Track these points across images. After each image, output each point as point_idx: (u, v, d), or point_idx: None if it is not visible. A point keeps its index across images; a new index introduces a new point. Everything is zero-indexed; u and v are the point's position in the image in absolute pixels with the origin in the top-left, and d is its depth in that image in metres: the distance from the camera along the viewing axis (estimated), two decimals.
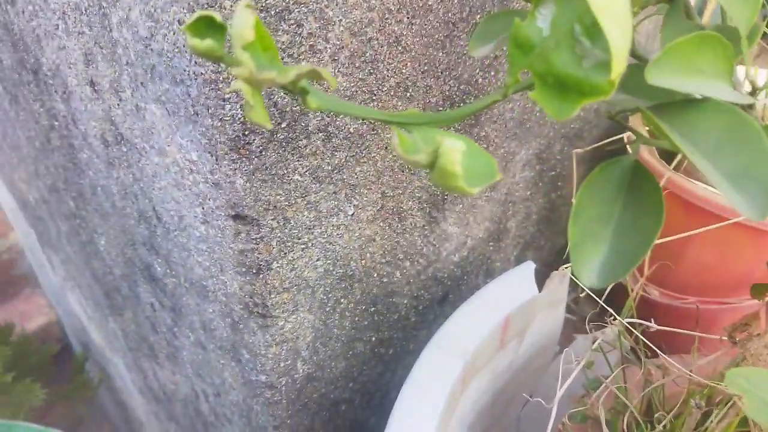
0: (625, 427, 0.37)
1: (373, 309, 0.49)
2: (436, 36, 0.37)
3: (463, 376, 0.45)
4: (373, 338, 0.51)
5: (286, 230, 0.37)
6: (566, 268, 0.52)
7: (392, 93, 0.37)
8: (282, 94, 0.31)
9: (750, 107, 0.25)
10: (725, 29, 0.23)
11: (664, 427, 0.40)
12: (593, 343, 0.39)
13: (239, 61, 0.14)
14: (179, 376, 0.59)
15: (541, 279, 0.52)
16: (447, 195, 0.47)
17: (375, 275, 0.46)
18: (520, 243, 0.62)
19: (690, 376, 0.39)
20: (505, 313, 0.48)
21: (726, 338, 0.38)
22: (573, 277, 0.53)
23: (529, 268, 0.53)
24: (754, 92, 0.24)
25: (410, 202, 0.45)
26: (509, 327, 0.50)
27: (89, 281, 0.70)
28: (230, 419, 0.53)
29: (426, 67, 0.38)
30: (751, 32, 0.22)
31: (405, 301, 0.51)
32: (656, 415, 0.41)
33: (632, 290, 0.39)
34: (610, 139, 0.50)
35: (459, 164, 0.18)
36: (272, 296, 0.39)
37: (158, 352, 0.61)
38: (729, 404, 0.38)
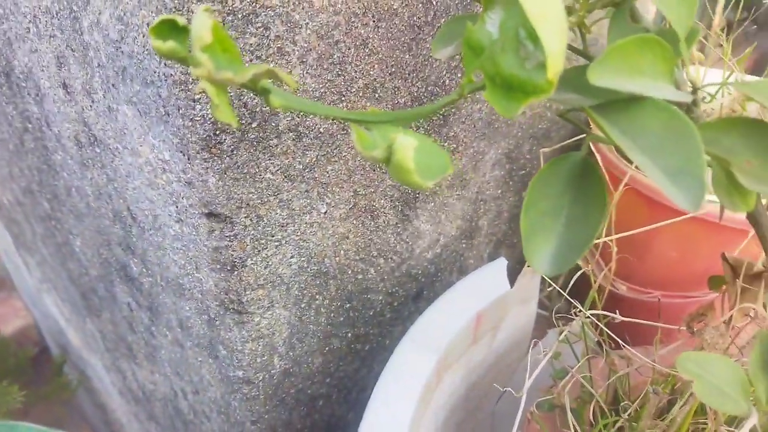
0: (590, 415, 0.38)
1: (348, 305, 0.49)
2: (402, 39, 0.38)
3: (437, 370, 0.46)
4: (349, 334, 0.52)
5: (260, 228, 0.38)
6: None
7: (361, 94, 0.38)
8: (252, 95, 0.32)
9: (694, 105, 0.27)
10: (667, 32, 0.24)
11: (630, 415, 0.42)
12: (560, 334, 0.41)
13: (198, 61, 0.15)
14: (158, 376, 0.59)
15: (513, 276, 0.54)
16: (419, 193, 0.49)
17: (349, 272, 0.47)
18: (492, 240, 0.63)
19: (652, 365, 0.41)
20: (477, 309, 0.50)
21: (685, 329, 0.40)
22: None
23: (501, 264, 0.54)
24: (695, 91, 0.25)
25: (382, 201, 0.46)
26: (482, 322, 0.51)
27: (65, 283, 0.70)
28: (209, 416, 0.54)
29: (393, 69, 0.39)
30: (689, 35, 0.24)
31: (380, 298, 0.52)
32: (622, 404, 0.43)
33: (595, 281, 0.40)
34: (575, 139, 0.52)
35: (411, 160, 0.19)
36: (247, 293, 0.40)
37: (136, 352, 0.61)
38: (690, 392, 0.40)
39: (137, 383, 0.67)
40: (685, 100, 0.23)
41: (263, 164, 0.35)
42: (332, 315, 0.48)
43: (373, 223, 0.46)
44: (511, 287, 0.52)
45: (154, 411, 0.68)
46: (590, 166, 0.24)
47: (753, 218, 0.29)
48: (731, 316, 0.35)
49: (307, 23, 0.32)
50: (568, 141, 0.51)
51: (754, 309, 0.35)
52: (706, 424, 0.37)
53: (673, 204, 0.53)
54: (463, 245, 0.59)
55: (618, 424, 0.40)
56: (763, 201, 0.38)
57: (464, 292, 0.51)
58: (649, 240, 0.57)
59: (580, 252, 0.22)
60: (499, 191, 0.59)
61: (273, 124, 0.34)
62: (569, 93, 0.26)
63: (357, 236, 0.45)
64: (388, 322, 0.55)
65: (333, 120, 0.37)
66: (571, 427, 0.36)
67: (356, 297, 0.50)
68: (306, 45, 0.33)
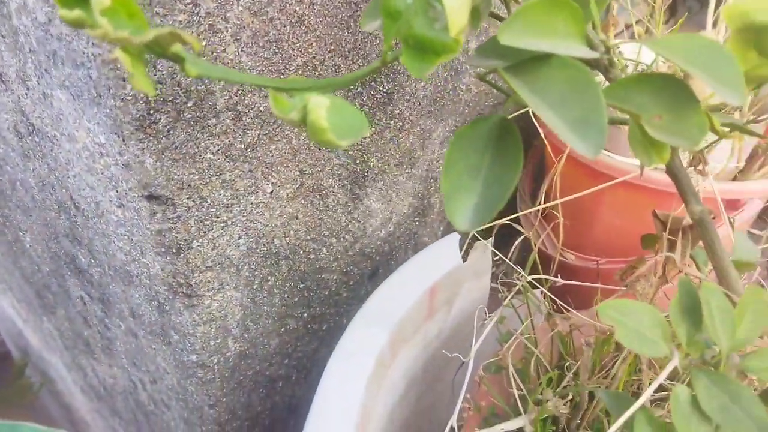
0: (533, 374, 0.40)
1: (302, 285, 0.50)
2: (340, 16, 0.38)
3: (390, 344, 0.47)
4: (305, 314, 0.52)
5: (203, 209, 0.38)
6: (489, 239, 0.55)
7: (300, 72, 0.38)
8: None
9: (610, 66, 0.28)
10: None
11: (575, 374, 0.44)
12: (505, 300, 0.42)
13: (96, 24, 0.15)
14: (116, 369, 0.59)
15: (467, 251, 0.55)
16: (367, 172, 0.49)
17: (301, 252, 0.48)
18: (445, 218, 0.64)
19: (592, 323, 0.42)
20: (431, 283, 0.51)
21: (622, 287, 0.42)
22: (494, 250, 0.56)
23: (453, 239, 0.55)
24: (608, 51, 0.26)
25: (330, 180, 0.46)
26: (436, 296, 0.52)
27: (20, 282, 0.69)
28: (168, 405, 0.54)
29: (332, 47, 0.40)
30: None
31: (335, 277, 0.53)
32: (566, 364, 0.44)
33: (535, 245, 0.42)
34: (520, 112, 0.53)
35: (325, 119, 0.19)
36: (195, 275, 0.40)
37: (93, 346, 0.60)
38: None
39: (98, 379, 0.66)
40: (591, 56, 0.24)
41: (203, 144, 0.35)
42: (286, 296, 0.49)
43: (322, 202, 0.47)
44: (464, 261, 0.54)
45: (116, 405, 0.67)
46: (508, 127, 0.25)
47: (672, 173, 0.30)
48: (663, 268, 0.37)
49: (239, 0, 0.32)
50: (514, 114, 0.53)
51: (682, 262, 0.36)
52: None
53: (610, 171, 0.54)
54: (417, 223, 0.60)
55: (563, 383, 0.42)
56: (685, 160, 0.40)
57: (417, 267, 0.52)
58: (594, 210, 0.59)
59: (496, 208, 0.23)
60: None
61: (210, 104, 0.34)
62: (492, 59, 0.27)
63: (306, 216, 0.46)
64: (344, 302, 0.56)
65: (256, 88, 0.37)
66: (514, 385, 0.37)
67: (310, 277, 0.50)
68: (239, 22, 0.33)
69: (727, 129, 0.31)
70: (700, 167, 0.37)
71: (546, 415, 0.39)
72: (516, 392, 0.37)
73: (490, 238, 0.55)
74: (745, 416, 0.26)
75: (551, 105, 0.22)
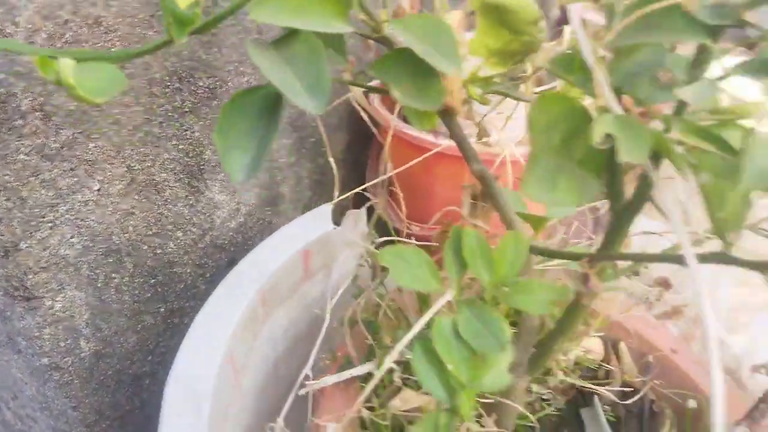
0: (380, 324, 0.45)
1: (153, 281, 0.52)
2: (141, 16, 0.41)
3: (262, 300, 0.50)
4: (162, 309, 0.54)
5: (26, 209, 0.39)
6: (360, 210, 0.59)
7: None
8: None
9: (384, 42, 0.33)
10: None
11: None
12: (358, 259, 0.47)
13: None
14: None
15: None
16: (203, 164, 0.52)
17: (145, 248, 0.50)
18: (299, 206, 0.68)
19: None
20: (303, 244, 0.54)
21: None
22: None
23: (324, 209, 0.59)
24: (377, 29, 0.31)
25: (164, 174, 0.48)
26: (311, 258, 0.56)
27: None
28: (34, 418, 0.53)
29: (138, 46, 0.42)
30: None
31: (188, 270, 0.55)
32: (412, 318, 0.49)
33: (374, 209, 0.47)
34: (342, 99, 0.58)
35: (71, 77, 0.22)
36: (29, 277, 0.41)
37: None
38: None
39: None
40: (341, 31, 0.29)
41: (13, 145, 0.37)
42: (137, 292, 0.50)
43: (159, 197, 0.49)
44: (336, 226, 0.58)
45: None
46: (279, 97, 0.29)
47: (455, 140, 0.35)
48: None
49: (26, 5, 0.34)
50: (336, 101, 0.57)
51: (470, 217, 0.42)
52: None
53: (426, 145, 0.60)
54: (269, 213, 0.63)
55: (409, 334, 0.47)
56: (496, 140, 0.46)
57: (289, 232, 0.56)
58: (431, 183, 0.65)
59: (262, 162, 0.27)
60: (293, 158, 0.64)
61: (13, 105, 0.36)
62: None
63: (144, 211, 0.48)
64: (203, 294, 0.58)
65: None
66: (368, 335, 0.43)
67: (161, 272, 0.52)
68: (30, 26, 0.35)
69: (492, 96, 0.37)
70: (484, 140, 0.44)
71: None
72: (368, 342, 0.42)
73: (363, 208, 0.59)
74: (491, 336, 0.30)
75: (294, 72, 0.26)
